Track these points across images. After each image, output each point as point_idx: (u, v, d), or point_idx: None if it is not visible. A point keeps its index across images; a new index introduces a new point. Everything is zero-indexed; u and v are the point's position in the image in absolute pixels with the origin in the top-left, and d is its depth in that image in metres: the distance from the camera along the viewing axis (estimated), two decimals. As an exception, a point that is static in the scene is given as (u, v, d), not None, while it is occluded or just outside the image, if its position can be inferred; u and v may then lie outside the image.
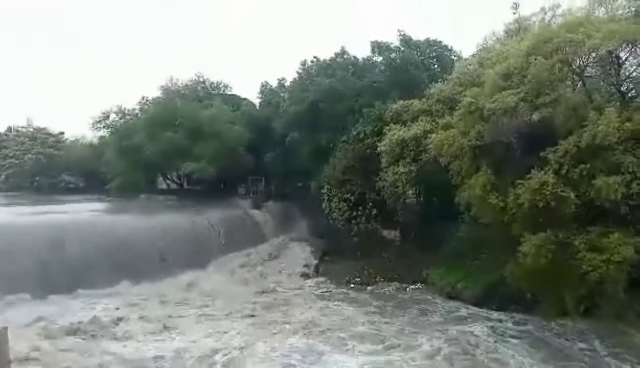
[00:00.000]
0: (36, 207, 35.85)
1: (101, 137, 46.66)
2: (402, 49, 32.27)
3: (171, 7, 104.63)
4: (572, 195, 15.53)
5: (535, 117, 18.35)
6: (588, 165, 15.76)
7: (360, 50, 40.69)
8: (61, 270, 21.91)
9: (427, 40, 33.20)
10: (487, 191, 18.15)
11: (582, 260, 14.83)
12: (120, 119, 43.17)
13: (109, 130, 43.55)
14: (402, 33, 32.56)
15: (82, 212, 32.67)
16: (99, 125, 43.58)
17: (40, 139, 54.56)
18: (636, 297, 14.66)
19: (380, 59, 33.81)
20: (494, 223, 18.44)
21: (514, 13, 26.36)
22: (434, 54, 33.02)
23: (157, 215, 31.57)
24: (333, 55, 36.43)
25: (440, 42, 33.61)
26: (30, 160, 53.07)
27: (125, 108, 43.29)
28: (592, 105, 17.61)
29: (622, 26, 17.12)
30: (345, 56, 36.24)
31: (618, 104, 19.10)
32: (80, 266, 22.53)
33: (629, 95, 19.94)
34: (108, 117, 43.08)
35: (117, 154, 40.30)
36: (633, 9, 19.27)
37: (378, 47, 33.47)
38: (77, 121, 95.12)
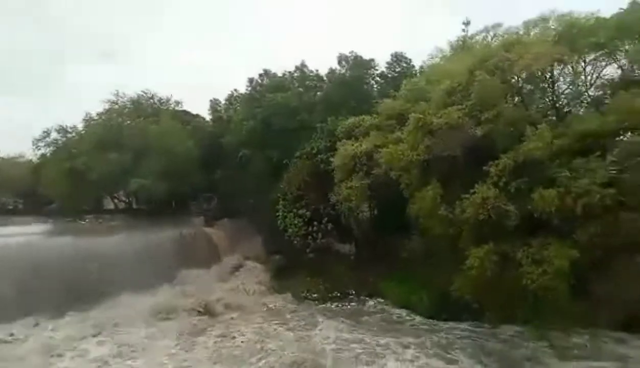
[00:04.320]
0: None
1: (42, 156, 44.10)
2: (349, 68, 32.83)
3: (115, 24, 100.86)
4: (512, 208, 16.24)
5: (478, 131, 19.19)
6: (526, 179, 16.55)
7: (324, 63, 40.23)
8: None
9: (371, 60, 33.55)
10: (436, 204, 18.70)
11: (524, 274, 15.42)
12: (63, 136, 41.10)
13: (50, 148, 41.34)
14: (352, 53, 33.21)
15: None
16: (39, 144, 41.31)
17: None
18: (575, 304, 15.37)
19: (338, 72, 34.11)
20: (442, 236, 18.94)
21: (463, 30, 27.63)
22: (397, 70, 33.48)
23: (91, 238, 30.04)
24: (292, 69, 36.33)
25: (400, 54, 33.90)
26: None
27: (67, 126, 41.24)
28: (529, 120, 18.62)
29: (548, 47, 18.32)
30: (304, 70, 36.07)
31: (554, 118, 20.41)
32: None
33: (564, 110, 21.30)
34: (49, 134, 40.95)
35: (58, 174, 38.17)
36: (560, 29, 20.71)
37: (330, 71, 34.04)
38: (14, 139, 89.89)
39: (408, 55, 33.59)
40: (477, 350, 17.52)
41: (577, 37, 19.20)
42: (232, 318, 22.98)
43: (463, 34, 28.48)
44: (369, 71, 33.39)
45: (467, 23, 28.04)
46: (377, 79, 33.66)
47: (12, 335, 20.23)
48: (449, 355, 17.26)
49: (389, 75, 33.28)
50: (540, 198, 15.68)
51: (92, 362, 17.84)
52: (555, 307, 15.03)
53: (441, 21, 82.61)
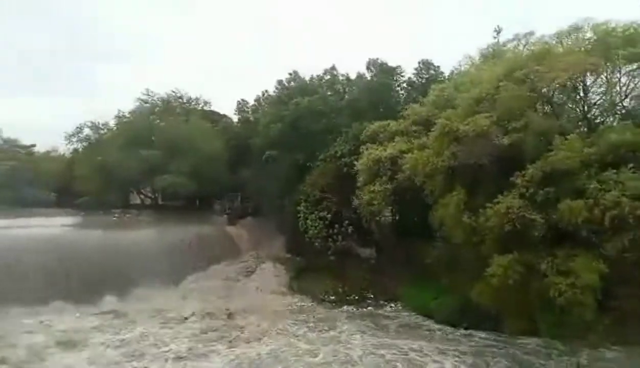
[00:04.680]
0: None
1: (74, 151, 45.69)
2: (374, 76, 32.93)
3: (147, 23, 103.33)
4: (538, 218, 15.96)
5: (506, 140, 18.93)
6: (553, 189, 16.25)
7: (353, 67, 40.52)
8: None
9: (398, 66, 33.43)
10: (460, 211, 18.54)
11: (550, 285, 15.14)
12: (95, 133, 42.51)
13: (83, 144, 42.83)
14: (379, 60, 33.26)
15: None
16: (72, 139, 42.88)
17: (10, 151, 52.97)
18: (601, 319, 14.97)
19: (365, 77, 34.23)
20: (465, 244, 18.74)
21: (495, 38, 27.33)
22: (424, 77, 33.20)
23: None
24: (321, 72, 36.68)
25: (428, 61, 33.54)
26: (-1, 172, 51.26)
27: (99, 122, 42.73)
28: (559, 130, 18.31)
29: (579, 57, 17.97)
30: (334, 73, 36.37)
31: (585, 129, 19.99)
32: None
33: (595, 121, 20.82)
34: (82, 130, 42.45)
35: (89, 169, 39.58)
36: (594, 39, 20.26)
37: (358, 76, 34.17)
38: (49, 134, 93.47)
39: (436, 62, 33.41)
40: (511, 360, 16.83)
41: (612, 47, 18.75)
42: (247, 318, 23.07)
43: (494, 40, 28.10)
44: (396, 78, 33.36)
45: (498, 31, 27.67)
46: (404, 85, 33.57)
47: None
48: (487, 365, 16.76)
49: (417, 82, 33.16)
50: (567, 209, 15.38)
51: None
52: (581, 321, 14.60)
53: (473, 22, 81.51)
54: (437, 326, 21.50)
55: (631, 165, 16.09)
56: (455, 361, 16.92)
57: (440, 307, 22.34)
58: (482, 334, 19.70)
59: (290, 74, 37.40)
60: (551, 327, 15.77)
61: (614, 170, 15.79)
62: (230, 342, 19.50)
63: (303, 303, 26.04)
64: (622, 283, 15.77)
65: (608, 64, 18.93)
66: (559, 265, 15.33)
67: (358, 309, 25.01)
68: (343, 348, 18.68)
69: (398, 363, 17.00)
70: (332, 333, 20.81)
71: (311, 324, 22.19)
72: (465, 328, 20.33)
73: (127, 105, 45.16)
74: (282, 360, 17.55)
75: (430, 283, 23.96)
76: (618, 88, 20.28)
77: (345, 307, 25.24)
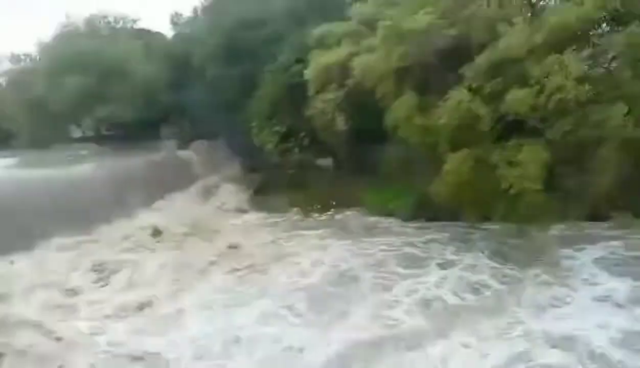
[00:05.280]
0: None
1: (-5, 87, 41.61)
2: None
3: None
4: (485, 111, 16.21)
5: (451, 32, 18.54)
6: (500, 79, 16.36)
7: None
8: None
9: None
10: (412, 113, 18.57)
11: (501, 177, 15.76)
12: (16, 64, 38.53)
13: (3, 78, 38.92)
14: None
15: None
16: (-9, 75, 38.79)
17: None
18: (548, 201, 16.05)
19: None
20: (420, 145, 19.07)
21: None
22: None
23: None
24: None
25: None
26: None
27: (20, 54, 38.54)
28: (505, 18, 18.03)
29: None
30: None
31: (529, 14, 19.78)
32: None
33: (541, 4, 20.59)
34: (0, 63, 38.33)
35: (18, 106, 36.34)
36: None
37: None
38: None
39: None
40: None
41: None
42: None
43: None
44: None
45: None
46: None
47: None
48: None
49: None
50: (514, 98, 15.60)
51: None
52: (529, 204, 15.58)
53: None
54: (398, 222, 23.05)
55: (574, 47, 16.28)
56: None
57: (399, 206, 23.40)
58: (440, 224, 21.42)
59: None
60: (504, 214, 16.82)
61: (559, 55, 15.89)
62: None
63: (270, 219, 26.51)
64: (566, 165, 16.72)
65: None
66: (508, 157, 15.89)
67: (322, 217, 25.79)
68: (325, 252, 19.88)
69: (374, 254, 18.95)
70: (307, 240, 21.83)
71: (283, 234, 23.05)
72: (426, 221, 21.74)
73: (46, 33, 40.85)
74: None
75: (388, 186, 24.78)
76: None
77: (308, 217, 25.93)
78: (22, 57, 39.04)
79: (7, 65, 38.88)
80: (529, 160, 15.32)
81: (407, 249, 19.36)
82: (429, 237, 20.54)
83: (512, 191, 15.54)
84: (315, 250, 20.11)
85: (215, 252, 20.42)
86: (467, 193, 16.94)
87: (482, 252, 18.05)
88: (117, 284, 17.47)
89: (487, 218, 18.98)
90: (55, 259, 18.86)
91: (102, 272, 18.37)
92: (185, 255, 20.12)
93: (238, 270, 18.47)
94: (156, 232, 22.95)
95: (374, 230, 22.69)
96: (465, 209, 19.07)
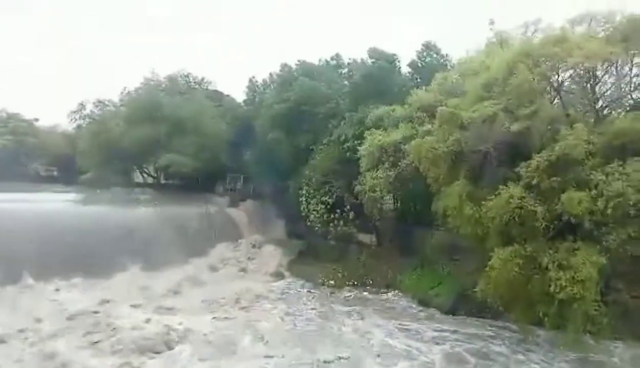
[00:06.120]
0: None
1: (78, 126, 45.36)
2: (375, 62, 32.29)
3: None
4: (540, 209, 15.68)
5: (513, 128, 18.55)
6: (558, 179, 15.95)
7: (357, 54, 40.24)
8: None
9: (394, 54, 32.79)
10: (463, 201, 18.26)
11: (551, 279, 14.93)
12: (98, 109, 42.24)
13: (86, 120, 42.55)
14: (375, 48, 32.59)
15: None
16: (75, 116, 42.60)
17: (12, 124, 52.65)
18: (603, 312, 14.80)
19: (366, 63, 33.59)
20: (469, 234, 18.50)
21: (491, 29, 26.66)
22: (426, 60, 32.77)
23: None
24: (327, 59, 36.35)
25: (430, 44, 33.08)
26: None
27: (104, 99, 42.39)
28: (567, 120, 17.94)
29: (599, 45, 17.50)
30: (338, 60, 36.07)
31: (592, 120, 19.58)
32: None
33: (604, 112, 20.41)
34: (85, 107, 42.17)
35: (92, 145, 39.33)
36: (610, 28, 19.70)
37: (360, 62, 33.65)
38: (53, 111, 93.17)
39: (442, 50, 32.93)
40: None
41: (629, 37, 18.19)
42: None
43: (493, 30, 27.31)
44: (394, 63, 32.78)
45: (492, 22, 26.93)
46: (408, 69, 33.01)
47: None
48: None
49: (419, 65, 32.63)
50: (570, 199, 15.06)
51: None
52: (582, 314, 14.43)
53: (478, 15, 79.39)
54: (435, 313, 21.64)
55: (638, 158, 15.79)
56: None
57: (438, 295, 22.35)
58: (478, 321, 19.94)
59: (298, 61, 36.88)
60: (553, 319, 15.52)
61: (620, 162, 15.46)
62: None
63: (303, 288, 26.11)
64: (623, 277, 15.58)
65: (624, 53, 18.37)
66: (560, 260, 15.06)
67: (356, 294, 25.05)
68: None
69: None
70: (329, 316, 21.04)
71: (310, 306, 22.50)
72: (464, 316, 20.46)
73: (132, 84, 45.01)
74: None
75: (430, 272, 23.96)
76: (628, 79, 19.88)
77: (344, 293, 25.24)
78: (107, 102, 42.70)
79: (90, 108, 42.44)
80: (582, 263, 14.43)
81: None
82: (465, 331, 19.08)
83: (561, 296, 14.49)
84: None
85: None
86: (513, 291, 15.97)
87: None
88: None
89: (532, 322, 17.55)
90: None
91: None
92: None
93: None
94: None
95: (409, 316, 21.46)
96: (508, 310, 17.90)
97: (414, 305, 22.87)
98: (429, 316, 21.34)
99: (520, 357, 16.67)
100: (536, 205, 15.94)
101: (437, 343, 17.84)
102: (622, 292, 15.71)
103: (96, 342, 16.86)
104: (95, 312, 19.58)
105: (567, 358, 16.26)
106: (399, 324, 19.96)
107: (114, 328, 17.67)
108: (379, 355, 16.66)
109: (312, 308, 22.25)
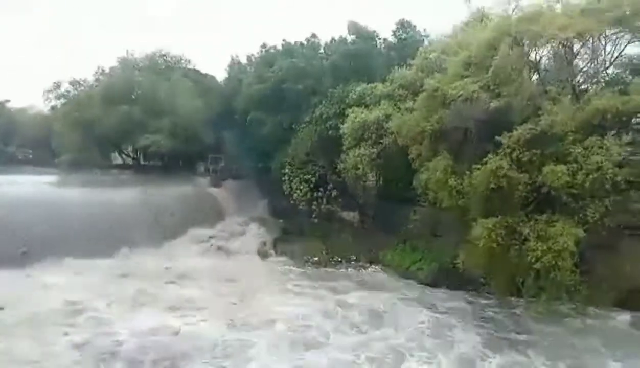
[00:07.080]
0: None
1: (53, 108, 44.01)
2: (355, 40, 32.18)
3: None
4: (524, 177, 16.08)
5: (493, 104, 18.86)
6: (539, 152, 16.35)
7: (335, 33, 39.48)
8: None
9: (374, 32, 32.85)
10: (447, 174, 18.59)
11: (529, 250, 15.37)
12: (74, 89, 41.01)
13: (61, 100, 41.31)
14: (355, 23, 32.33)
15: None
16: (50, 96, 41.33)
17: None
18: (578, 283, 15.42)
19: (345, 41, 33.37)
20: (450, 207, 18.91)
21: (468, 7, 26.66)
22: (403, 38, 32.73)
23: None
24: (304, 40, 35.73)
25: (405, 21, 32.93)
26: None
27: (80, 79, 41.12)
28: (547, 96, 18.30)
29: (575, 20, 17.78)
30: (316, 40, 35.49)
31: (569, 96, 20.01)
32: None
33: (580, 88, 20.87)
34: (60, 86, 40.89)
35: (69, 126, 38.29)
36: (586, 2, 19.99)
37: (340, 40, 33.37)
38: (26, 91, 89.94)
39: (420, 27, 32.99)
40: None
41: (601, 12, 18.52)
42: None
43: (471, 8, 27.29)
44: (375, 42, 32.76)
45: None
46: (383, 48, 33.00)
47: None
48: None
49: (395, 43, 32.67)
50: (551, 172, 15.48)
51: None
52: (558, 284, 15.00)
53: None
54: (417, 285, 22.24)
55: (614, 132, 16.29)
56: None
57: (421, 269, 22.89)
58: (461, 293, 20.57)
59: (283, 41, 36.26)
60: (530, 288, 16.12)
61: (599, 136, 15.91)
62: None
63: (286, 266, 26.26)
64: (599, 248, 16.20)
65: (598, 29, 18.69)
66: (539, 230, 15.54)
67: (339, 270, 25.44)
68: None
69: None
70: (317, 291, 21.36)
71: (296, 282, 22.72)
72: (447, 288, 21.05)
73: (107, 63, 43.69)
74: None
75: (412, 247, 24.45)
76: (603, 55, 20.30)
77: (327, 268, 25.61)
78: (81, 82, 41.39)
79: (66, 88, 41.12)
80: (560, 234, 14.93)
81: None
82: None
83: (538, 265, 15.02)
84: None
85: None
86: (494, 262, 16.46)
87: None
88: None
89: (513, 293, 18.21)
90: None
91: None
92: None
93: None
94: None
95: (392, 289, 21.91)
96: (490, 281, 18.48)
97: (394, 279, 23.44)
98: (407, 286, 22.17)
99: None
100: (519, 175, 16.32)
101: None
102: (598, 263, 16.30)
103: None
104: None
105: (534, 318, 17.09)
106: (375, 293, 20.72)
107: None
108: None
109: (296, 285, 22.44)
